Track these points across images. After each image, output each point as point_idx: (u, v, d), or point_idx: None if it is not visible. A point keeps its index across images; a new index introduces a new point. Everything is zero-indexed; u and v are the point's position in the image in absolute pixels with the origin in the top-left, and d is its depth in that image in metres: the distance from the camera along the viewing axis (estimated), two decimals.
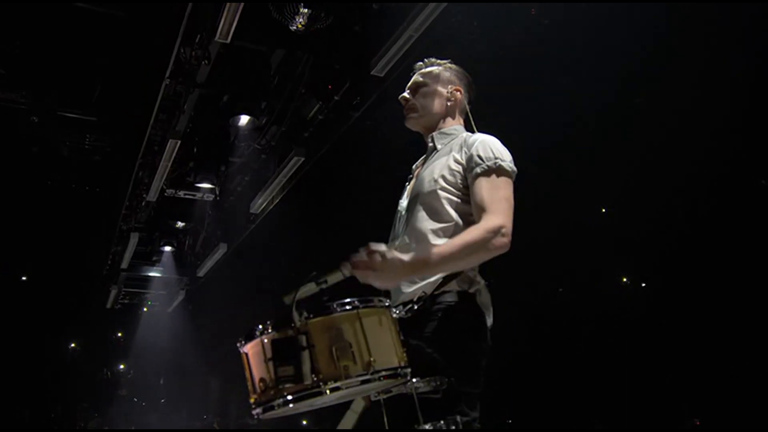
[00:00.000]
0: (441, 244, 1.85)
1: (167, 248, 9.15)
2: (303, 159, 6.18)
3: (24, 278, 11.69)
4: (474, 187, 1.93)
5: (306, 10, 4.46)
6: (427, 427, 1.64)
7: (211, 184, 7.23)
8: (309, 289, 1.68)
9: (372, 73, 4.78)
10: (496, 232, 1.80)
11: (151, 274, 10.06)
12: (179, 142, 6.18)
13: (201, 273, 9.55)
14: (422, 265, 1.78)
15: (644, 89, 5.75)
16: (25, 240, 10.22)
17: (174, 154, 6.35)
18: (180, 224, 8.69)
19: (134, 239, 8.44)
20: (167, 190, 7.40)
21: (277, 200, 7.18)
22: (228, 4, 4.28)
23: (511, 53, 4.96)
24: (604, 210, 7.52)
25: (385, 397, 1.76)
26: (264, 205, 7.31)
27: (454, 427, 1.66)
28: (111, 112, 7.32)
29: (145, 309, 12.23)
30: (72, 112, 7.70)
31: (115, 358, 13.52)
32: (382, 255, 1.74)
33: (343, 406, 1.81)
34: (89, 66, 6.74)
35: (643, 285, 8.03)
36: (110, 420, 12.92)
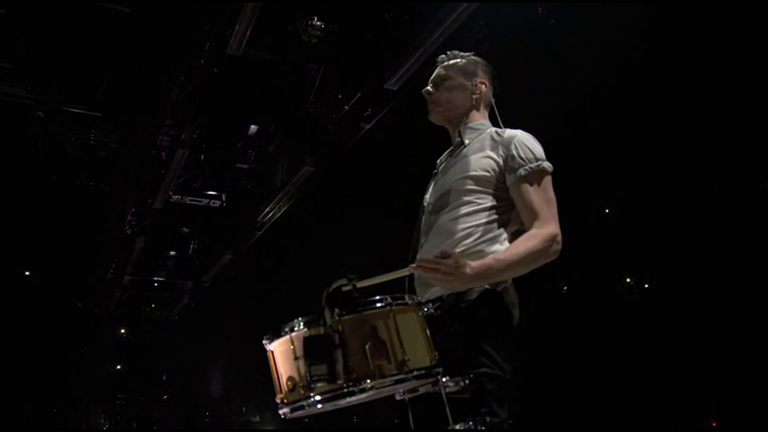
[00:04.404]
0: (478, 250, 1.83)
1: (172, 253, 9.15)
2: (312, 169, 6.13)
3: (27, 273, 11.66)
4: (519, 190, 1.91)
5: (319, 23, 4.44)
6: (457, 427, 1.60)
7: (218, 190, 7.24)
8: (340, 285, 1.64)
9: (385, 86, 4.73)
10: (553, 240, 1.82)
11: (156, 278, 10.05)
12: (187, 151, 6.16)
13: (206, 278, 9.56)
14: (489, 274, 1.76)
15: (649, 88, 5.72)
16: (28, 235, 10.20)
17: (182, 164, 6.33)
18: (185, 229, 8.70)
19: (139, 243, 8.44)
20: (173, 196, 7.39)
21: (284, 208, 7.16)
22: (241, 19, 4.24)
23: (525, 59, 4.92)
24: (607, 210, 7.50)
25: (410, 396, 1.72)
26: (271, 213, 7.29)
27: (483, 428, 1.61)
28: (117, 110, 7.30)
29: (148, 311, 12.22)
30: (77, 108, 7.68)
31: (118, 359, 13.51)
32: (456, 260, 1.71)
33: (357, 406, 1.77)
34: (95, 62, 6.72)
35: (646, 286, 8.00)
36: (112, 417, 12.93)
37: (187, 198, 7.46)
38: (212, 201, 7.61)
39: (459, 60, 2.23)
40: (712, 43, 5.09)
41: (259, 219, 7.46)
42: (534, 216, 1.86)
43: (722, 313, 5.83)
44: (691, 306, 6.20)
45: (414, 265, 1.74)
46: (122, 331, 13.58)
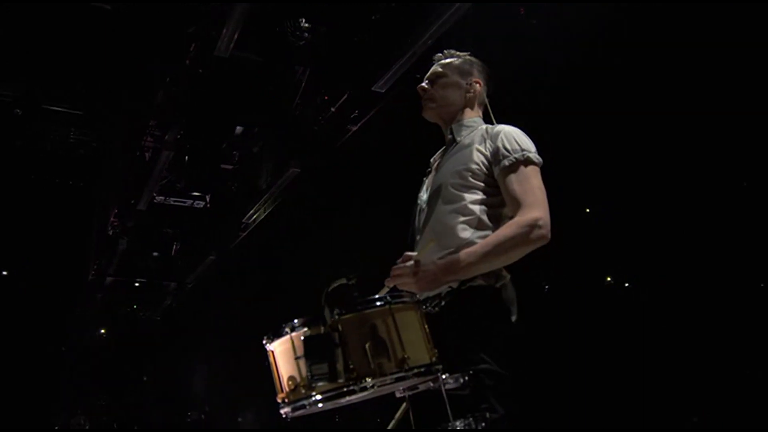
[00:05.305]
0: (474, 243, 1.83)
1: (155, 254, 9.05)
2: (298, 170, 6.08)
3: (5, 273, 11.46)
4: (504, 181, 1.91)
5: (307, 25, 4.44)
6: (456, 423, 1.61)
7: (202, 191, 7.17)
8: (339, 285, 1.65)
9: (373, 89, 4.71)
10: (533, 225, 1.79)
11: (138, 279, 9.91)
12: (172, 153, 6.09)
13: (189, 279, 9.46)
14: (458, 267, 1.77)
15: (630, 89, 5.79)
16: (6, 234, 10.02)
17: (166, 165, 6.27)
18: (169, 230, 8.61)
19: (122, 245, 8.33)
20: (157, 197, 7.30)
21: (270, 209, 7.10)
22: (230, 20, 4.21)
23: (513, 61, 4.95)
24: (588, 210, 7.58)
25: (410, 393, 1.74)
26: (256, 214, 7.24)
27: (483, 424, 1.62)
28: (99, 109, 7.21)
29: (130, 312, 12.06)
30: (57, 106, 7.57)
31: (99, 359, 13.34)
32: (417, 262, 1.72)
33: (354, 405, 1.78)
34: (76, 60, 6.62)
35: (627, 285, 8.10)
36: (93, 417, 12.79)
37: (171, 199, 7.38)
38: (196, 202, 7.55)
39: (455, 59, 2.26)
40: (691, 45, 5.17)
41: (243, 220, 7.40)
42: (517, 205, 1.86)
43: (702, 311, 5.93)
44: (672, 304, 6.30)
45: (388, 279, 1.79)
46: (102, 331, 13.42)
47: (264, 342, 1.65)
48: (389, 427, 1.82)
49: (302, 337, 1.52)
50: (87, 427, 12.44)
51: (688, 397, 5.93)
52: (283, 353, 1.59)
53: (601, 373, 6.51)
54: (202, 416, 12.98)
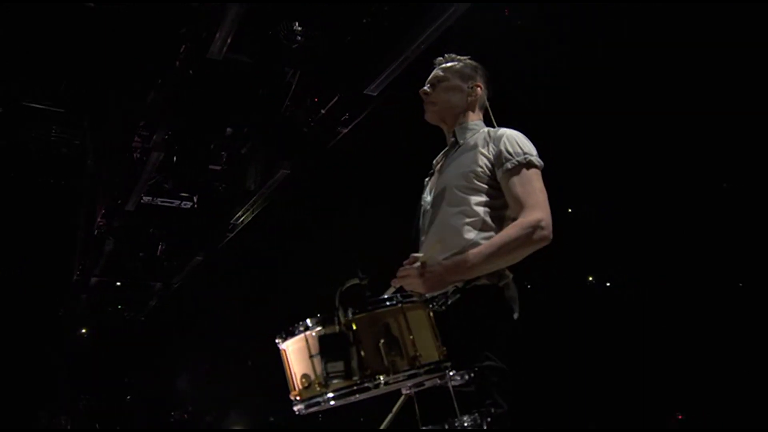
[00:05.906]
0: (479, 244, 1.89)
1: (141, 254, 8.98)
2: (288, 171, 6.09)
3: None
4: (507, 184, 1.97)
5: (300, 28, 4.46)
6: (463, 419, 1.66)
7: (190, 192, 7.14)
8: (352, 285, 1.70)
9: (365, 92, 4.74)
10: (535, 226, 1.85)
11: (124, 279, 9.83)
12: (162, 154, 6.06)
13: (175, 280, 9.41)
14: (463, 268, 1.83)
15: (612, 93, 5.89)
16: None
17: (155, 166, 6.23)
18: (156, 230, 8.55)
19: (109, 245, 8.26)
20: (144, 198, 7.24)
21: (258, 211, 7.10)
22: (224, 23, 4.22)
23: (504, 65, 4.99)
24: (570, 210, 7.70)
25: (416, 390, 1.78)
26: (244, 216, 7.23)
27: (488, 419, 1.67)
28: (85, 108, 7.12)
29: (115, 312, 11.94)
30: (39, 104, 7.47)
31: (82, 359, 13.20)
32: (423, 263, 1.77)
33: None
34: (58, 57, 6.54)
35: (608, 284, 8.22)
36: (75, 417, 12.67)
37: (158, 199, 7.33)
38: (184, 203, 7.51)
39: (456, 63, 2.31)
40: (674, 52, 5.28)
41: (232, 221, 7.38)
42: (520, 206, 1.92)
43: (681, 309, 6.05)
44: (652, 303, 6.42)
45: (395, 279, 1.84)
46: (83, 331, 13.27)
47: (276, 341, 1.68)
48: (386, 422, 1.87)
49: (316, 336, 1.56)
50: (69, 427, 12.31)
51: (672, 392, 6.06)
52: (296, 351, 1.62)
53: (587, 368, 6.62)
54: (185, 416, 12.92)
